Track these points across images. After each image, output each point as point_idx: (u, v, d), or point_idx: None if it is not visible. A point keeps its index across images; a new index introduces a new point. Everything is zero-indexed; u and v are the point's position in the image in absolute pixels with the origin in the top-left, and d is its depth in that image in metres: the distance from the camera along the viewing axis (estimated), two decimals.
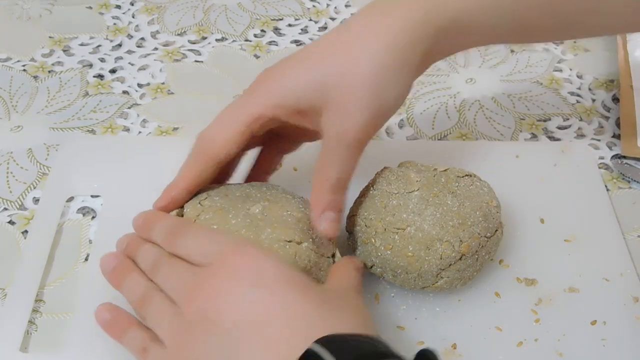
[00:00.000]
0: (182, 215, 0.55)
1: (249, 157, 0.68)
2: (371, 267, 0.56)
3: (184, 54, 0.82)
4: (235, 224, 0.53)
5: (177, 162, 0.66)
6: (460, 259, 0.53)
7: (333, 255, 0.55)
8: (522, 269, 0.59)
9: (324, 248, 0.54)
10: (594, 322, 0.55)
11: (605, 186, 0.68)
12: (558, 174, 0.67)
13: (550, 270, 0.59)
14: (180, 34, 0.85)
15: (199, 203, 0.55)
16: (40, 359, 0.54)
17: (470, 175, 0.58)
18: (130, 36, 0.84)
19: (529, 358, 0.53)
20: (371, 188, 0.58)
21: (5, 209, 0.64)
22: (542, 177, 0.66)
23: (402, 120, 0.74)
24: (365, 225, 0.56)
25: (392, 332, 0.55)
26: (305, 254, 0.52)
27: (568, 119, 0.75)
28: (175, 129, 0.73)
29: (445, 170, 0.58)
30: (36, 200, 0.65)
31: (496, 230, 0.56)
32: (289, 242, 0.52)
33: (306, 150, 0.68)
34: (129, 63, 0.80)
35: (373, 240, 0.55)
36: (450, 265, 0.53)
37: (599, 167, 0.70)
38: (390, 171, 0.58)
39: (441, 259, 0.53)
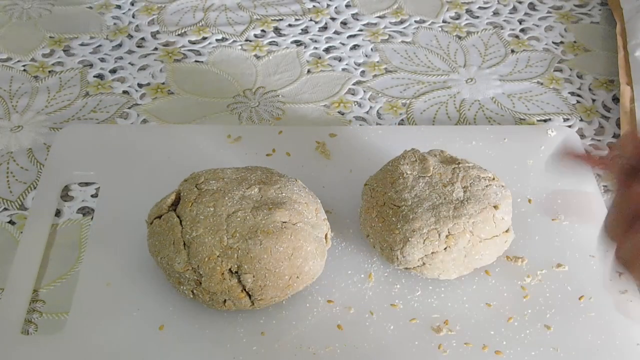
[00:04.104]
0: (179, 198, 0.56)
1: (246, 154, 0.69)
2: (367, 236, 0.58)
3: (184, 54, 0.82)
4: (231, 206, 0.54)
5: (175, 155, 0.67)
6: (445, 250, 0.54)
7: (326, 235, 0.57)
8: (511, 248, 0.60)
9: (318, 228, 0.56)
10: (581, 298, 0.57)
11: (605, 186, 0.68)
12: (545, 156, 0.68)
13: (538, 249, 0.61)
14: (180, 34, 0.85)
15: (196, 186, 0.56)
16: (39, 359, 0.54)
17: (493, 178, 0.58)
18: (130, 36, 0.84)
19: (518, 333, 0.55)
20: (390, 163, 0.60)
21: (6, 209, 0.64)
22: (530, 159, 0.68)
23: (402, 120, 0.74)
24: (371, 196, 0.58)
25: (385, 311, 0.56)
26: (300, 234, 0.54)
27: (568, 119, 0.75)
28: None
29: (470, 165, 0.59)
30: None
31: (495, 236, 0.56)
32: (284, 222, 0.54)
33: (298, 136, 0.69)
34: (129, 63, 0.80)
35: (372, 211, 0.57)
36: (433, 253, 0.54)
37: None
38: (414, 153, 0.60)
39: (424, 243, 0.54)
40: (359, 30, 0.86)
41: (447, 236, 0.54)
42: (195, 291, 0.54)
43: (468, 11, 0.90)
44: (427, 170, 0.58)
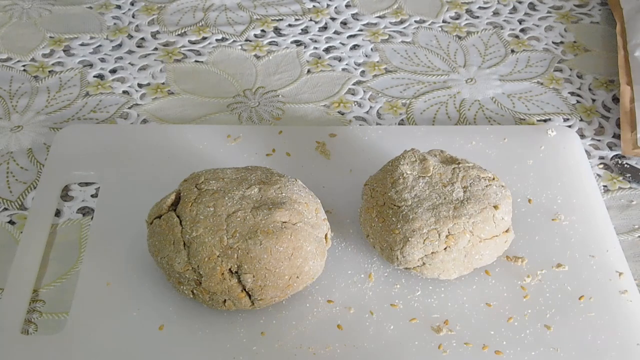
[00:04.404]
0: (179, 198, 0.56)
1: (246, 155, 0.69)
2: (367, 236, 0.58)
3: (184, 54, 0.82)
4: (231, 206, 0.54)
5: (175, 155, 0.67)
6: (445, 250, 0.55)
7: (326, 235, 0.57)
8: (511, 248, 0.60)
9: (318, 228, 0.56)
10: (581, 297, 0.57)
11: (605, 186, 0.68)
12: (545, 156, 0.68)
13: (538, 249, 0.61)
14: (180, 34, 0.85)
15: (196, 186, 0.56)
16: (39, 359, 0.54)
17: (493, 178, 0.59)
18: (130, 36, 0.84)
19: (518, 333, 0.55)
20: (389, 164, 0.60)
21: (6, 209, 0.64)
22: (530, 159, 0.68)
23: (402, 120, 0.74)
24: (371, 196, 0.59)
25: (385, 311, 0.56)
26: (300, 234, 0.54)
27: (568, 119, 0.75)
28: None
29: (470, 165, 0.59)
30: None
31: (495, 236, 0.56)
32: (284, 222, 0.54)
33: (298, 136, 0.69)
34: (129, 63, 0.81)
35: (372, 211, 0.58)
36: (433, 253, 0.55)
37: (599, 167, 0.70)
38: (414, 153, 0.60)
39: (424, 243, 0.54)
40: (359, 30, 0.86)
41: (447, 236, 0.55)
42: (195, 291, 0.54)
43: (468, 11, 0.90)
44: (427, 170, 0.58)
